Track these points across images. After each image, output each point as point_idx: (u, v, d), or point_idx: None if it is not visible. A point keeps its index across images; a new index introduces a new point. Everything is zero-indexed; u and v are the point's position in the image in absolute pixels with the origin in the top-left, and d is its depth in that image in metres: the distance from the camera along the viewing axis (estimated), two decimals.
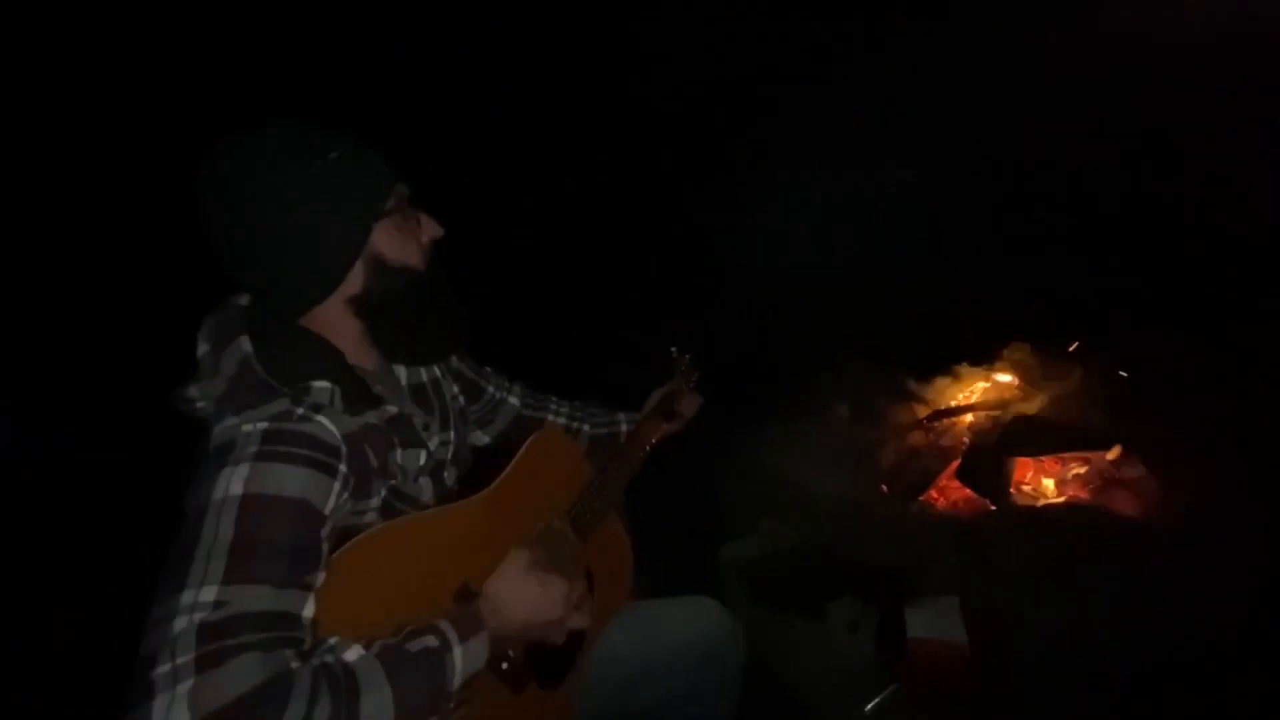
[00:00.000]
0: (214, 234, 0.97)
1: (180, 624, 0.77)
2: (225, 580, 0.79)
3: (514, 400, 1.45)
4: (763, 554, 2.26)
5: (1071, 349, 2.33)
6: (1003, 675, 1.78)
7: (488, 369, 1.42)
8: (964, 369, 2.64)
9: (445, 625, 0.92)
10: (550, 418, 1.49)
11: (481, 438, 1.42)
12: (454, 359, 1.32)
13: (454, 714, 0.96)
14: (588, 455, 1.52)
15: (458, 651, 0.90)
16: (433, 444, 1.13)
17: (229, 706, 0.73)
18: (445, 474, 1.16)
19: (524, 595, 1.02)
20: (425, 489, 1.10)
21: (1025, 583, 1.97)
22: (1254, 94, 2.61)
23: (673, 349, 1.68)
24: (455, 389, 1.30)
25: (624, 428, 1.56)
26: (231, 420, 0.90)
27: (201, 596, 0.78)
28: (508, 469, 1.16)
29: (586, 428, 1.52)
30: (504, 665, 1.06)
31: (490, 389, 1.40)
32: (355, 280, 1.01)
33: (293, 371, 0.95)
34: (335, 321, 1.03)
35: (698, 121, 3.23)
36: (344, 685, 0.80)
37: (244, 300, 1.06)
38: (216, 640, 0.76)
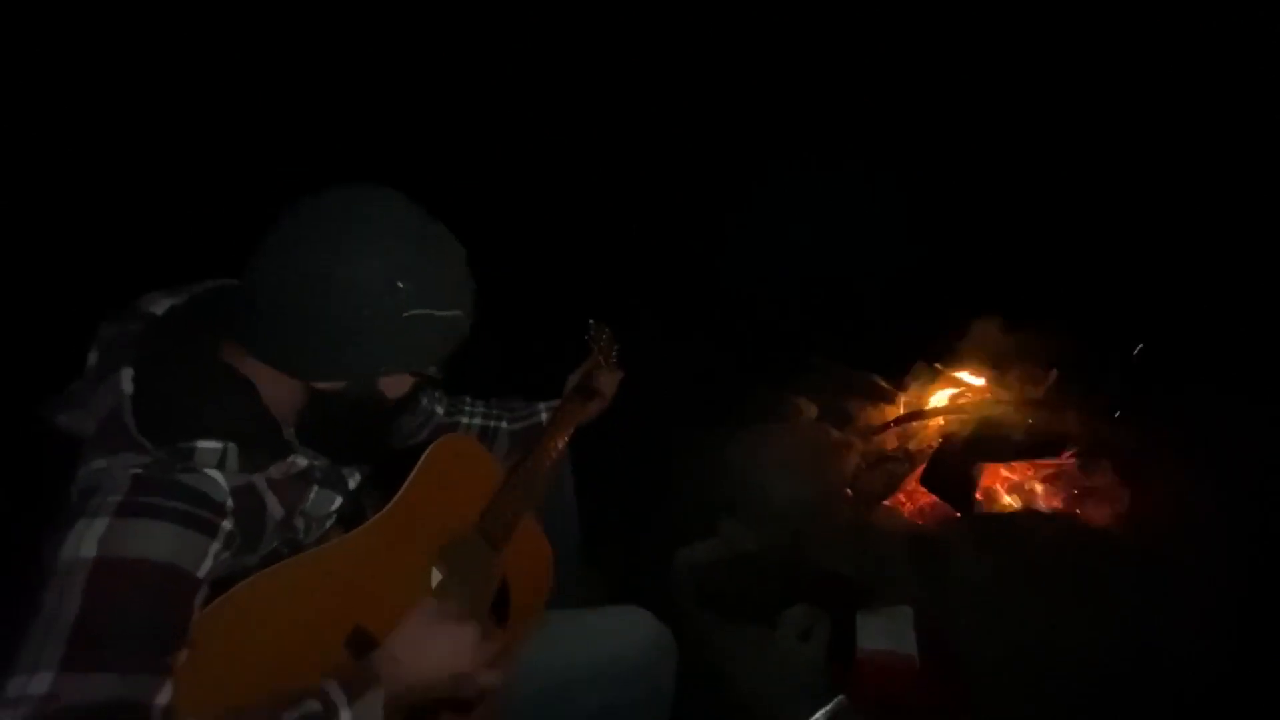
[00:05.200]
0: (284, 276, 0.86)
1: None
2: (63, 667, 0.69)
3: (439, 409, 1.37)
4: (720, 558, 2.20)
5: (1051, 378, 2.27)
6: (954, 690, 1.72)
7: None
8: (937, 370, 2.57)
9: (331, 685, 0.83)
10: (465, 420, 1.41)
11: None
12: None
13: None
14: (510, 453, 1.45)
15: (345, 716, 0.81)
16: (352, 483, 1.03)
17: None
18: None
19: (428, 650, 0.92)
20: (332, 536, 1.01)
21: (984, 594, 1.90)
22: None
23: (590, 320, 1.51)
24: None
25: (545, 418, 1.45)
26: (99, 463, 0.81)
27: (31, 687, 0.68)
28: (403, 488, 1.05)
29: (504, 424, 1.44)
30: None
31: (424, 400, 1.31)
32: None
33: (177, 425, 0.83)
34: (278, 379, 0.92)
35: (663, 122, 3.17)
36: None
37: (158, 309, 0.92)
38: None
